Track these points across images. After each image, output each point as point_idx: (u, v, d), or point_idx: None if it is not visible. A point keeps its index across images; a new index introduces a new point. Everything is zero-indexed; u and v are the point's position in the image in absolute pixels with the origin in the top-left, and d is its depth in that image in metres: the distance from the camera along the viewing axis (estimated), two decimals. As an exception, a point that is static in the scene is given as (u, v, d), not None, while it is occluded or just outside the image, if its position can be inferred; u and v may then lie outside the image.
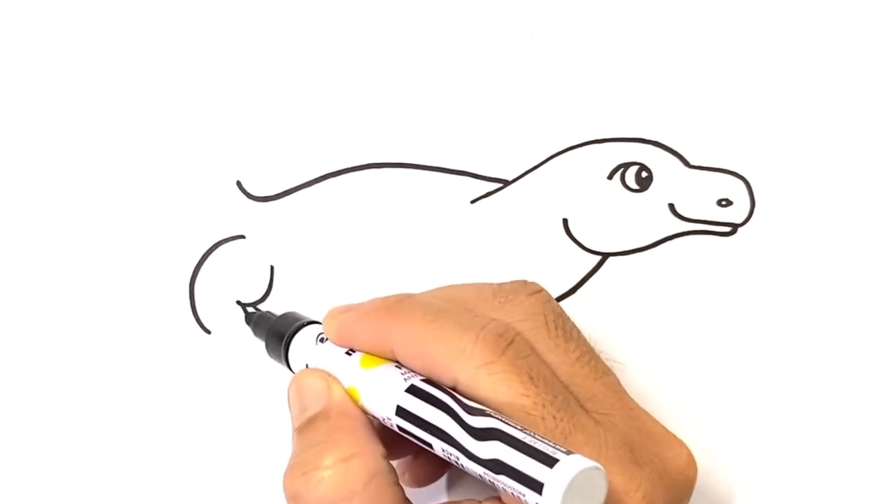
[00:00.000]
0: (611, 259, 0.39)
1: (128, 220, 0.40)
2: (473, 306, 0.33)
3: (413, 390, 0.30)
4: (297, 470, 0.31)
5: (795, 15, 0.40)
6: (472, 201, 0.40)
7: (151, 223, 0.40)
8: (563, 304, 0.39)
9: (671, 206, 0.40)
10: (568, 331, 0.33)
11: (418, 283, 0.39)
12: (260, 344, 0.37)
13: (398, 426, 0.31)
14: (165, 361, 0.39)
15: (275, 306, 0.39)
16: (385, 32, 0.41)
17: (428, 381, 0.31)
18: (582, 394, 0.31)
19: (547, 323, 0.32)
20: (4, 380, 0.39)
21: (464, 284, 0.35)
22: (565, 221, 0.40)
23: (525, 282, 0.34)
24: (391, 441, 0.32)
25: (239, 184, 0.40)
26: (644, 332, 0.39)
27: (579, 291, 0.39)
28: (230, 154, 0.40)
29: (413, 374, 0.31)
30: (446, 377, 0.30)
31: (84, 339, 0.39)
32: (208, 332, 0.39)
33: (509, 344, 0.30)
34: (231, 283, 0.40)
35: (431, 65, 0.40)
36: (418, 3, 0.41)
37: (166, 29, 0.41)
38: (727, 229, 0.39)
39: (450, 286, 0.35)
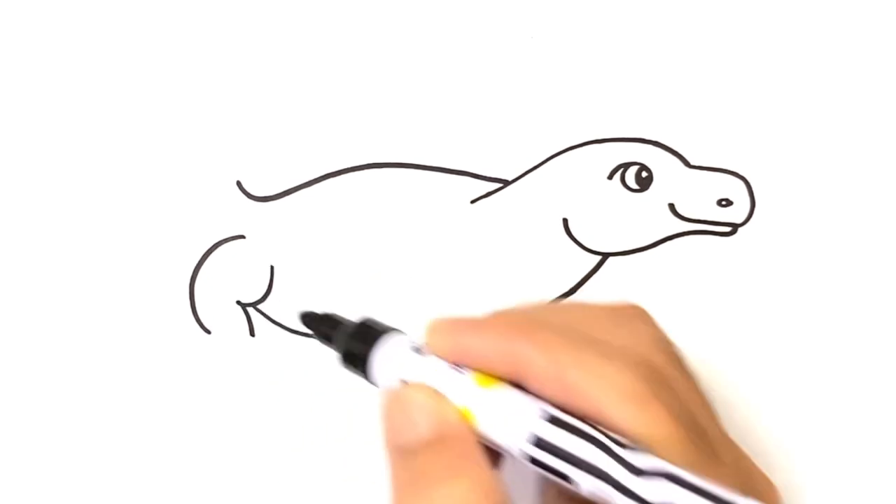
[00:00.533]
0: (611, 259, 0.39)
1: (128, 220, 0.40)
2: (589, 328, 0.30)
3: (552, 419, 0.28)
4: (415, 499, 0.28)
5: (795, 15, 0.40)
6: (472, 201, 0.40)
7: (152, 223, 0.40)
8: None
9: (671, 206, 0.40)
10: (684, 366, 0.31)
11: (418, 283, 0.39)
12: (261, 344, 0.37)
13: (531, 457, 0.28)
14: (165, 361, 0.39)
15: (275, 306, 0.39)
16: (385, 32, 0.41)
17: (559, 407, 0.28)
18: (708, 435, 0.30)
19: (670, 357, 0.31)
20: (4, 379, 0.39)
21: (567, 304, 0.33)
22: (565, 221, 0.40)
23: (630, 305, 0.32)
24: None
25: (239, 184, 0.40)
26: (644, 332, 0.39)
27: (579, 291, 0.39)
28: (230, 154, 0.40)
29: (537, 399, 0.29)
30: (585, 406, 0.28)
31: (84, 338, 0.39)
32: (208, 332, 0.39)
33: (656, 377, 0.29)
34: (231, 283, 0.40)
35: (431, 65, 0.40)
36: (418, 3, 0.41)
37: (166, 29, 0.41)
38: (727, 229, 0.39)
39: (555, 305, 0.33)
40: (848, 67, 0.40)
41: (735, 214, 0.39)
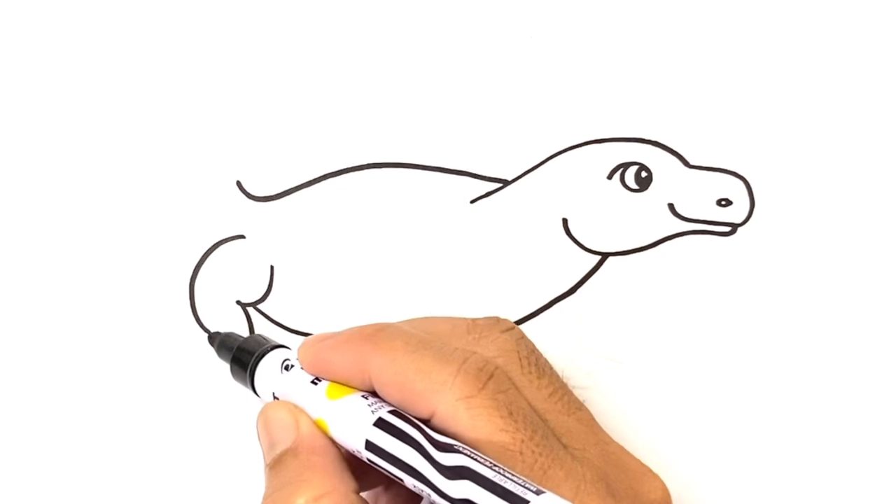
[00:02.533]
0: (611, 259, 0.39)
1: (128, 220, 0.40)
2: (448, 340, 0.32)
3: (381, 423, 0.30)
4: None
5: (795, 15, 0.40)
6: (472, 201, 0.40)
7: (152, 223, 0.40)
8: (562, 304, 0.39)
9: (671, 206, 0.40)
10: (541, 367, 0.33)
11: (418, 283, 0.39)
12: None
13: (368, 460, 0.30)
14: (165, 361, 0.39)
15: (275, 306, 0.39)
16: (385, 32, 0.41)
17: (397, 413, 0.30)
18: (558, 429, 0.31)
19: (520, 359, 0.32)
20: (4, 379, 0.39)
21: (437, 317, 0.35)
22: (565, 221, 0.40)
23: (498, 318, 0.34)
24: (364, 470, 0.32)
25: (239, 184, 0.40)
26: (644, 332, 0.39)
27: (579, 291, 0.39)
28: (230, 154, 0.40)
29: (382, 404, 0.31)
30: (424, 409, 0.30)
31: (84, 338, 0.39)
32: (208, 332, 0.39)
33: (489, 378, 0.30)
34: (231, 283, 0.40)
35: (431, 65, 0.40)
36: (418, 3, 0.41)
37: (166, 29, 0.41)
38: (727, 229, 0.39)
39: (424, 318, 0.35)
40: (848, 67, 0.40)
41: (735, 214, 0.39)
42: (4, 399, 0.39)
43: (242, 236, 0.40)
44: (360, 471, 0.32)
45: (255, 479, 0.38)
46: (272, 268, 0.40)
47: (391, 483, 0.34)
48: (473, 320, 0.34)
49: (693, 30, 0.40)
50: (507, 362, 0.32)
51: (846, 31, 0.40)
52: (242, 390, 0.39)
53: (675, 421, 0.38)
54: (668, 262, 0.39)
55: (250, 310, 0.40)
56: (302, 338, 0.39)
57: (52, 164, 0.40)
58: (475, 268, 0.39)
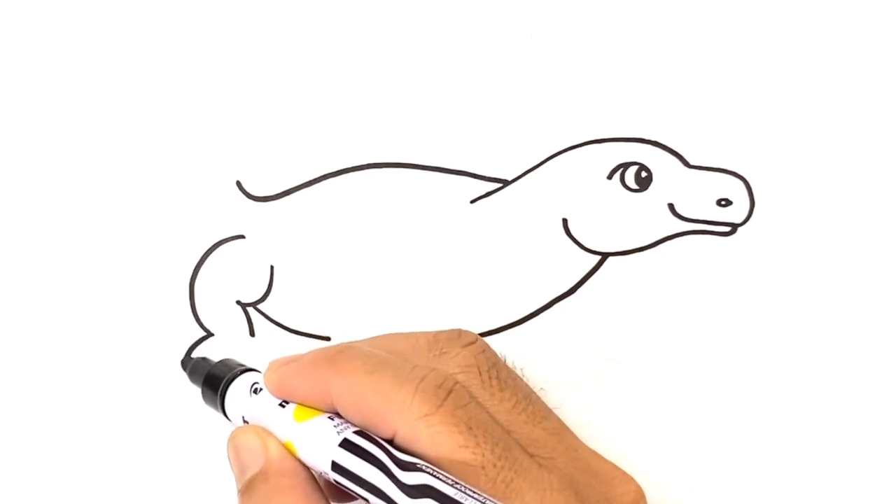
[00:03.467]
0: (610, 259, 0.39)
1: (128, 220, 0.40)
2: (409, 358, 0.32)
3: (346, 444, 0.30)
4: None
5: (795, 15, 0.40)
6: (472, 201, 0.40)
7: (152, 223, 0.40)
8: (562, 304, 0.39)
9: (671, 206, 0.40)
10: (503, 379, 0.32)
11: (418, 283, 0.39)
12: (261, 344, 0.37)
13: (335, 481, 0.30)
14: (165, 361, 0.39)
15: (275, 306, 0.39)
16: (385, 32, 0.41)
17: (362, 433, 0.30)
18: (523, 440, 0.31)
19: (480, 374, 0.32)
20: (4, 379, 0.39)
21: (399, 334, 0.34)
22: (565, 221, 0.40)
23: (460, 331, 0.34)
24: (335, 492, 0.32)
25: (239, 184, 0.40)
26: (643, 332, 0.39)
27: (579, 291, 0.39)
28: (230, 154, 0.40)
29: (348, 425, 0.31)
30: (386, 430, 0.30)
31: (84, 338, 0.39)
32: (208, 331, 0.39)
33: (448, 394, 0.30)
34: (231, 283, 0.40)
35: (431, 65, 0.40)
36: (418, 3, 0.41)
37: (166, 29, 0.41)
38: (727, 229, 0.39)
39: (386, 335, 0.35)
40: (848, 67, 0.40)
41: (734, 214, 0.39)
42: (4, 399, 0.39)
43: (242, 236, 0.40)
44: (331, 492, 0.32)
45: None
46: (272, 268, 0.40)
47: None
48: (435, 335, 0.34)
49: (693, 30, 0.40)
50: (468, 377, 0.32)
51: (846, 31, 0.40)
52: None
53: (675, 421, 0.38)
54: (668, 262, 0.39)
55: (250, 310, 0.40)
56: (303, 337, 0.39)
57: (52, 164, 0.40)
58: (475, 268, 0.39)
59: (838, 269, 0.39)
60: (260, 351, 0.39)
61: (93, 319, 0.39)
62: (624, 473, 0.32)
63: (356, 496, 0.30)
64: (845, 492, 0.38)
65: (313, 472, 0.32)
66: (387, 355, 0.32)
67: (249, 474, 0.32)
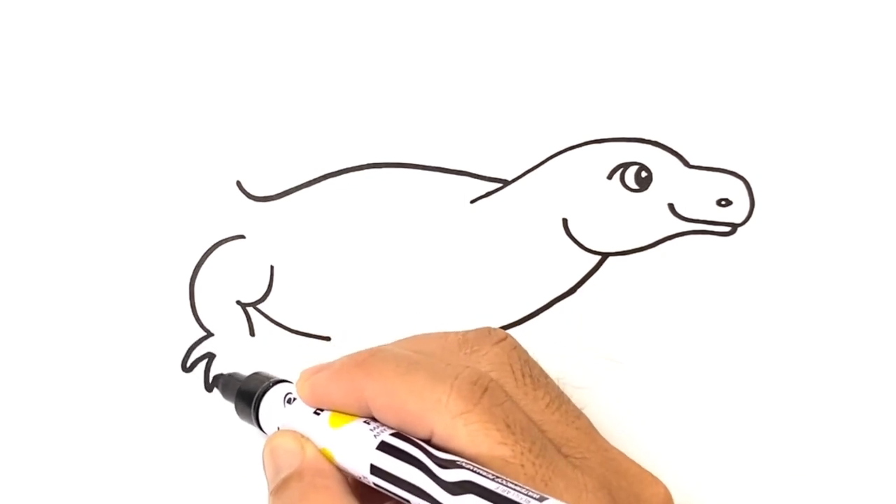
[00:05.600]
0: (610, 259, 0.39)
1: (128, 220, 0.40)
2: (441, 357, 0.32)
3: (384, 447, 0.30)
4: None
5: (795, 15, 0.40)
6: (472, 201, 0.40)
7: (152, 223, 0.40)
8: (562, 304, 0.39)
9: (671, 206, 0.40)
10: (535, 377, 0.32)
11: (418, 283, 0.39)
12: (261, 344, 0.37)
13: (374, 484, 0.30)
14: (165, 361, 0.39)
15: (275, 306, 0.39)
16: (385, 32, 0.41)
17: (399, 435, 0.30)
18: (556, 439, 0.31)
19: (514, 371, 0.32)
20: (4, 379, 0.39)
21: (428, 335, 0.34)
22: (565, 221, 0.40)
23: (490, 329, 0.34)
24: (367, 495, 0.32)
25: (239, 184, 0.40)
26: (644, 332, 0.39)
27: (579, 291, 0.39)
28: (230, 154, 0.40)
29: (384, 428, 0.31)
30: (422, 430, 0.30)
31: (84, 338, 0.39)
32: (208, 331, 0.39)
33: (484, 392, 0.30)
34: (231, 283, 0.40)
35: (431, 65, 0.40)
36: (418, 3, 0.41)
37: (166, 29, 0.41)
38: (727, 229, 0.39)
39: (414, 337, 0.35)
40: (848, 67, 0.40)
41: (734, 214, 0.39)
42: (4, 399, 0.39)
43: (242, 236, 0.40)
44: (364, 495, 0.32)
45: (256, 479, 0.38)
46: (272, 268, 0.40)
47: None
48: (464, 334, 0.34)
49: (693, 30, 0.40)
50: (501, 375, 0.32)
51: (846, 31, 0.40)
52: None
53: (675, 421, 0.38)
54: (668, 262, 0.39)
55: (250, 310, 0.40)
56: (303, 337, 0.39)
57: (52, 164, 0.40)
58: (475, 268, 0.39)
59: (838, 268, 0.39)
60: (260, 351, 0.39)
61: (93, 319, 0.39)
62: (651, 475, 0.32)
63: (394, 498, 0.30)
64: (845, 492, 0.38)
65: (349, 479, 0.32)
66: (418, 356, 0.32)
67: (284, 474, 0.32)
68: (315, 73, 0.40)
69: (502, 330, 0.34)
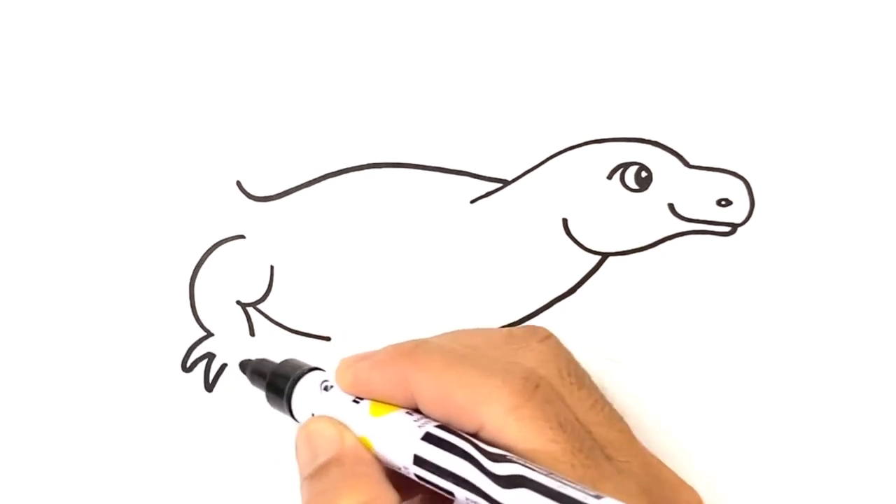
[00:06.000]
0: (610, 259, 0.39)
1: (128, 220, 0.40)
2: (487, 352, 0.32)
3: (429, 438, 0.30)
4: None
5: (795, 15, 0.40)
6: (472, 201, 0.40)
7: (152, 223, 0.40)
8: (562, 304, 0.39)
9: (671, 206, 0.40)
10: (580, 377, 0.32)
11: (418, 283, 0.39)
12: (261, 344, 0.37)
13: (416, 475, 0.30)
14: (166, 361, 0.39)
15: (275, 306, 0.39)
16: (385, 32, 0.41)
17: (444, 427, 0.30)
18: (600, 440, 0.31)
19: (559, 370, 0.32)
20: (4, 379, 0.39)
21: (473, 330, 0.34)
22: (565, 221, 0.40)
23: (535, 328, 0.34)
24: (400, 485, 0.31)
25: (239, 184, 0.40)
26: (644, 332, 0.39)
27: (579, 291, 0.39)
28: (230, 154, 0.40)
29: (427, 420, 0.31)
30: (470, 423, 0.30)
31: (84, 338, 0.39)
32: (208, 331, 0.39)
33: (536, 388, 0.30)
34: (231, 283, 0.40)
35: (431, 65, 0.40)
36: (418, 3, 0.41)
37: (166, 29, 0.41)
38: (727, 229, 0.39)
39: (459, 332, 0.34)
40: (848, 67, 0.40)
41: (734, 214, 0.39)
42: (4, 399, 0.39)
43: (242, 236, 0.40)
44: (397, 485, 0.31)
45: (256, 480, 0.38)
46: (272, 268, 0.40)
47: (431, 497, 0.33)
48: (510, 331, 0.33)
49: (693, 30, 0.40)
50: (547, 373, 0.31)
51: (846, 31, 0.40)
52: (241, 390, 0.39)
53: (676, 421, 0.38)
54: (668, 262, 0.39)
55: (250, 310, 0.40)
56: (302, 338, 0.39)
57: (52, 164, 0.40)
58: (475, 268, 0.39)
59: (838, 268, 0.39)
60: (260, 351, 0.39)
61: (93, 319, 0.39)
62: (686, 483, 0.32)
63: (432, 490, 0.30)
64: (845, 492, 0.38)
65: (386, 468, 0.31)
66: (465, 349, 0.31)
67: (322, 459, 0.31)
68: (315, 74, 0.40)
69: (546, 328, 0.34)
